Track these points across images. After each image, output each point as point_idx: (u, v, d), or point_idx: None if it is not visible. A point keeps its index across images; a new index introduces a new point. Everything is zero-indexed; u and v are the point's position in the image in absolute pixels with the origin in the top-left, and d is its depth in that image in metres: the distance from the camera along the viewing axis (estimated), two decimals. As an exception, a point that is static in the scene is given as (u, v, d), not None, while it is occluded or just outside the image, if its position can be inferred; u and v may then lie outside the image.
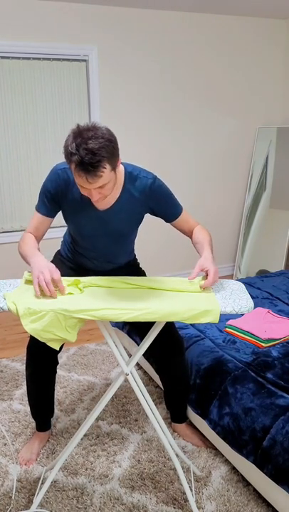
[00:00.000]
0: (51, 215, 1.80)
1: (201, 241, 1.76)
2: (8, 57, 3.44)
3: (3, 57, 3.43)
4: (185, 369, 2.09)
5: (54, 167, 1.74)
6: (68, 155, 1.48)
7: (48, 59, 3.55)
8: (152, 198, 1.73)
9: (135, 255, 2.08)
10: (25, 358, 2.92)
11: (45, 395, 2.07)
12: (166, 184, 1.78)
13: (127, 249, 1.96)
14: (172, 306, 1.43)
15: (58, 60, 3.58)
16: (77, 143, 1.44)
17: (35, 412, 2.11)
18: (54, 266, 1.58)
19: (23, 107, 3.58)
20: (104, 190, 1.55)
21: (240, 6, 3.71)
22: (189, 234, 1.86)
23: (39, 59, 3.53)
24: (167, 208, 1.79)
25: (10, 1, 3.34)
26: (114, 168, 1.53)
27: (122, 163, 1.71)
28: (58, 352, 1.97)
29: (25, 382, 2.67)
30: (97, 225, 1.76)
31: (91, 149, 1.42)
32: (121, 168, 1.70)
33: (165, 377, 2.13)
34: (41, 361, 1.97)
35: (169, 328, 1.98)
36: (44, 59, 3.54)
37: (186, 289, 1.59)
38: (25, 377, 2.72)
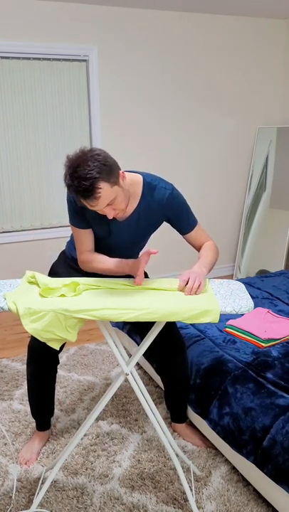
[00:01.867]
0: (88, 226, 1.79)
1: (200, 257, 1.78)
2: (8, 57, 3.44)
3: (3, 57, 3.43)
4: (186, 369, 2.09)
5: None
6: (68, 188, 1.53)
7: (48, 59, 3.55)
8: (169, 208, 1.76)
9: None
10: (25, 357, 2.94)
11: (45, 395, 2.07)
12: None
13: (137, 254, 1.99)
14: (172, 306, 1.43)
15: (58, 60, 3.59)
16: (70, 173, 1.49)
17: (35, 411, 2.12)
18: (141, 257, 1.62)
19: (23, 107, 3.58)
20: (116, 205, 1.59)
21: (240, 6, 3.71)
22: (199, 248, 1.87)
23: (39, 59, 3.53)
24: (182, 219, 1.81)
25: (10, 1, 3.34)
26: (115, 183, 1.54)
27: (140, 173, 1.76)
28: (58, 351, 1.98)
29: (25, 382, 2.67)
30: (116, 233, 1.80)
31: (80, 176, 1.47)
32: (138, 179, 1.74)
33: (165, 377, 2.13)
34: (42, 360, 1.97)
35: (170, 327, 1.98)
36: (44, 59, 3.54)
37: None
38: (25, 377, 2.73)
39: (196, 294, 1.54)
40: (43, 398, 2.08)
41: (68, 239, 2.05)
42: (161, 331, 1.87)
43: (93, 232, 1.81)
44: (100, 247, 1.85)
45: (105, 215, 1.68)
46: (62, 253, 2.06)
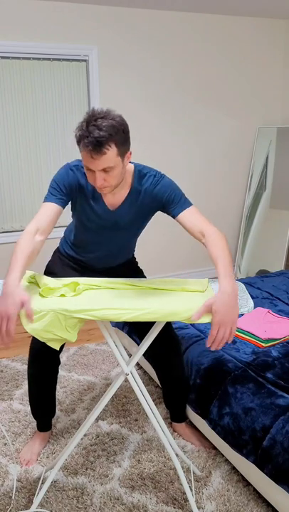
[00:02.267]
0: (61, 204, 1.68)
1: (214, 260, 1.55)
2: (8, 57, 3.44)
3: (3, 57, 3.43)
4: (183, 369, 2.09)
5: (66, 164, 1.72)
6: (78, 132, 1.50)
7: (48, 59, 3.55)
8: (158, 194, 1.72)
9: (134, 254, 2.08)
10: (25, 357, 2.94)
11: (46, 395, 2.07)
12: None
13: (131, 247, 1.97)
14: (172, 306, 1.43)
15: (58, 60, 3.59)
16: (88, 120, 1.48)
17: (36, 412, 2.11)
18: (25, 296, 1.38)
19: (23, 107, 3.58)
20: (109, 177, 1.54)
21: (240, 6, 3.71)
22: (198, 235, 1.67)
23: (39, 59, 3.53)
24: (173, 202, 1.73)
25: (10, 1, 3.34)
26: (121, 154, 1.53)
27: (132, 163, 1.74)
28: (59, 352, 1.97)
29: (25, 382, 2.67)
30: (107, 223, 1.76)
31: (99, 125, 1.46)
32: (130, 167, 1.72)
33: (163, 377, 2.13)
34: (43, 361, 1.97)
35: (166, 328, 1.98)
36: (44, 59, 3.54)
37: (186, 288, 1.59)
38: (25, 376, 2.73)
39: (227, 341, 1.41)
40: (45, 399, 2.07)
41: (58, 239, 2.05)
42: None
43: (82, 223, 1.77)
44: (90, 237, 1.82)
45: (97, 203, 1.67)
46: (56, 251, 2.03)
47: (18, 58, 3.47)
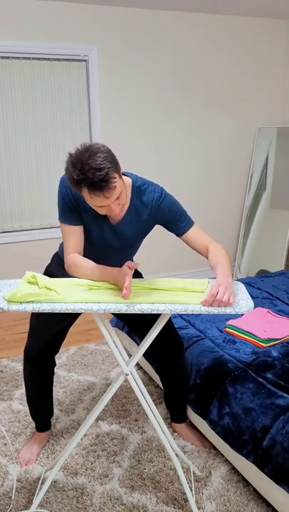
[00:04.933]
0: (80, 222, 1.72)
1: (215, 266, 1.65)
2: (8, 57, 3.44)
3: (3, 57, 3.43)
4: (185, 369, 2.09)
5: (64, 176, 1.67)
6: (77, 183, 1.46)
7: (48, 59, 3.55)
8: (159, 211, 1.73)
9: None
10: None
11: (44, 397, 2.07)
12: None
13: (131, 257, 1.96)
14: (175, 300, 1.45)
15: (58, 60, 3.58)
16: (80, 168, 1.43)
17: (34, 413, 2.11)
18: (125, 268, 1.50)
19: (23, 107, 3.58)
20: (122, 199, 1.56)
21: (240, 6, 3.71)
22: (204, 252, 1.76)
23: (39, 59, 3.53)
24: (176, 221, 1.75)
25: (10, 1, 3.34)
26: (120, 176, 1.52)
27: (128, 176, 1.72)
28: (55, 353, 1.98)
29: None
30: (108, 236, 1.75)
31: (94, 167, 1.42)
32: (128, 181, 1.70)
33: (165, 378, 2.13)
34: (39, 363, 1.96)
35: (168, 329, 1.98)
36: (44, 59, 3.54)
37: (186, 288, 1.58)
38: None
39: (224, 306, 1.44)
40: (42, 400, 2.07)
41: (61, 240, 2.02)
42: (159, 332, 1.86)
43: (86, 236, 1.76)
44: (91, 253, 1.79)
45: (98, 216, 1.66)
46: (56, 256, 2.00)
47: (18, 58, 3.47)
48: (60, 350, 3.04)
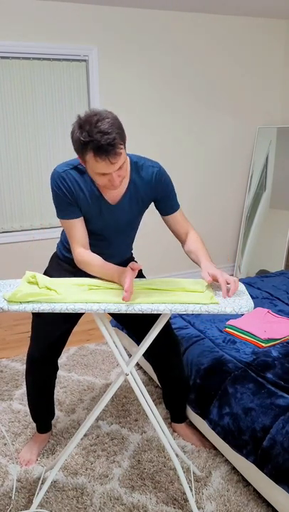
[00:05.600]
0: (79, 215, 1.70)
1: (196, 251, 1.74)
2: (8, 57, 3.44)
3: (3, 57, 3.43)
4: (183, 369, 2.09)
5: (55, 172, 1.66)
6: (82, 145, 1.45)
7: (48, 59, 3.55)
8: (157, 186, 1.73)
9: (132, 254, 2.07)
10: (25, 357, 2.93)
11: (46, 400, 2.06)
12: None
13: (131, 242, 1.94)
14: (173, 299, 1.45)
15: (58, 60, 3.58)
16: (88, 130, 1.42)
17: (35, 416, 2.11)
18: (127, 269, 1.51)
19: (23, 107, 3.58)
20: (123, 171, 1.54)
21: (240, 6, 3.71)
22: (183, 236, 1.82)
23: (39, 59, 3.53)
24: (168, 199, 1.77)
25: (10, 1, 3.34)
26: (125, 146, 1.52)
27: (126, 154, 1.70)
28: (57, 357, 1.97)
29: (25, 382, 2.67)
30: (108, 218, 1.73)
31: (103, 130, 1.42)
32: (126, 159, 1.69)
33: (163, 378, 2.12)
34: (42, 368, 1.96)
35: (166, 329, 1.97)
36: (44, 59, 3.54)
37: (186, 288, 1.58)
38: (24, 377, 2.73)
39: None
40: (44, 403, 2.07)
41: (58, 240, 2.01)
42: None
43: (86, 221, 1.72)
44: (93, 237, 1.77)
45: (97, 199, 1.65)
46: (54, 256, 1.97)
47: (18, 58, 3.47)
48: (60, 350, 3.05)
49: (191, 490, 1.86)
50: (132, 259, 2.06)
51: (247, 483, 1.91)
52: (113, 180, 1.52)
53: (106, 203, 1.69)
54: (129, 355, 2.69)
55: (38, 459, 2.08)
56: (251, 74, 4.25)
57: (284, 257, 4.04)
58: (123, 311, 1.41)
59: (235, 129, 4.33)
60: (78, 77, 3.69)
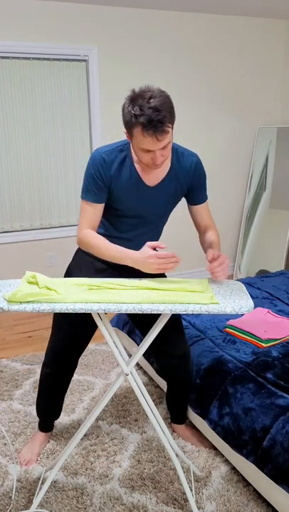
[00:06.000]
0: (102, 201, 1.71)
1: (211, 243, 1.80)
2: (8, 57, 3.44)
3: (3, 57, 3.43)
4: (190, 373, 2.05)
5: (97, 153, 1.67)
6: (132, 118, 1.48)
7: (48, 59, 3.55)
8: (194, 176, 1.76)
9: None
10: (24, 357, 2.94)
11: (57, 397, 2.04)
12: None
13: (158, 234, 1.92)
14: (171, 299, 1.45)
15: (58, 60, 3.58)
16: (140, 104, 1.46)
17: (42, 411, 2.09)
18: (146, 248, 1.56)
19: (23, 107, 3.58)
20: (166, 151, 1.57)
21: (240, 6, 3.71)
22: (202, 228, 1.86)
23: (39, 59, 3.53)
24: (199, 190, 1.81)
25: (10, 1, 3.34)
26: (172, 126, 1.55)
27: None
28: (80, 355, 1.95)
29: (25, 382, 2.67)
30: (143, 200, 1.73)
31: (155, 107, 1.45)
32: (171, 140, 1.71)
33: (169, 380, 2.10)
34: (62, 363, 1.94)
35: (177, 333, 1.94)
36: (44, 59, 3.54)
37: (186, 288, 1.58)
38: (25, 376, 2.73)
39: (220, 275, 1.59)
40: (54, 400, 2.05)
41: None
42: (167, 335, 1.86)
43: (118, 208, 1.72)
44: (121, 226, 1.76)
45: (136, 181, 1.67)
46: (78, 250, 1.91)
47: (18, 58, 3.47)
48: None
49: (191, 490, 1.86)
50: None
51: (247, 483, 1.91)
52: (156, 158, 1.55)
53: (144, 184, 1.71)
54: (129, 355, 2.69)
55: (39, 458, 2.08)
56: (251, 74, 4.25)
57: (284, 257, 4.04)
58: (123, 311, 1.41)
59: (235, 129, 4.33)
60: (78, 77, 3.69)
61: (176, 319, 1.93)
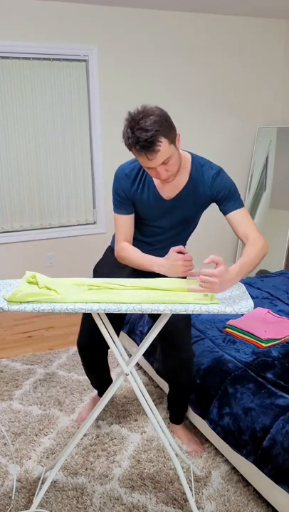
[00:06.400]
0: (131, 211, 1.85)
1: (242, 254, 1.65)
2: (8, 57, 3.44)
3: (3, 57, 3.43)
4: (193, 378, 2.04)
5: (119, 170, 1.81)
6: (127, 141, 1.56)
7: (48, 59, 3.55)
8: (213, 188, 1.76)
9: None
10: (24, 357, 2.95)
11: (100, 372, 2.26)
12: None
13: (184, 239, 1.98)
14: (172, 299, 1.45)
15: (58, 60, 3.59)
16: (131, 126, 1.54)
17: (93, 384, 2.33)
18: (172, 253, 1.64)
19: (23, 107, 3.58)
20: (169, 166, 1.62)
21: (240, 6, 3.71)
22: (243, 239, 1.74)
23: (39, 59, 3.53)
24: (226, 201, 1.77)
25: (10, 1, 3.34)
26: (172, 142, 1.59)
27: (189, 152, 1.80)
28: (105, 344, 2.07)
29: (25, 382, 2.68)
30: (165, 214, 1.82)
31: (142, 128, 1.51)
32: (187, 156, 1.78)
33: (171, 383, 2.09)
34: (91, 353, 2.12)
35: (183, 342, 1.94)
36: (44, 59, 3.54)
37: (187, 289, 1.58)
38: (25, 376, 2.74)
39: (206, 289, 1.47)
40: (99, 375, 2.27)
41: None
42: (174, 339, 1.88)
43: (143, 214, 1.84)
44: (148, 228, 1.88)
45: (155, 196, 1.75)
46: (108, 249, 2.08)
47: (18, 58, 3.47)
48: (60, 350, 3.05)
49: (191, 490, 1.86)
50: None
51: (247, 483, 1.91)
52: (158, 174, 1.62)
53: (161, 198, 1.78)
54: (129, 355, 2.69)
55: (38, 458, 2.08)
56: (251, 74, 4.25)
57: (284, 257, 4.04)
58: (123, 311, 1.41)
59: (235, 129, 4.33)
60: (78, 77, 3.69)
61: (186, 325, 1.96)
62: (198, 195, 1.79)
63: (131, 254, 1.81)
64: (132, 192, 1.80)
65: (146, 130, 1.50)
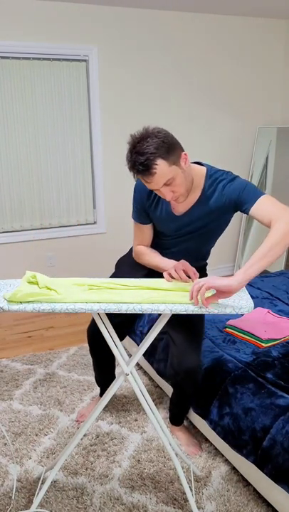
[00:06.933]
0: (147, 223, 1.91)
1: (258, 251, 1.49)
2: (8, 57, 3.44)
3: (3, 57, 3.43)
4: (198, 383, 1.99)
5: (138, 181, 1.81)
6: (128, 164, 1.58)
7: (48, 59, 3.55)
8: (225, 196, 1.71)
9: (207, 263, 2.10)
10: (24, 358, 2.95)
11: (106, 368, 2.27)
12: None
13: (206, 251, 1.99)
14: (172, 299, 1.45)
15: (58, 60, 3.59)
16: (130, 150, 1.56)
17: (98, 379, 2.35)
18: (182, 262, 1.68)
19: (23, 107, 3.58)
20: (175, 187, 1.61)
21: (240, 6, 3.71)
22: (269, 225, 1.57)
23: (39, 59, 3.53)
24: (244, 202, 1.66)
25: (10, 1, 3.34)
26: (173, 163, 1.56)
27: (206, 166, 1.76)
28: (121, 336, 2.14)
29: (25, 382, 2.68)
30: (178, 228, 1.85)
31: (138, 151, 1.52)
32: (202, 170, 1.74)
33: (175, 387, 2.07)
34: (100, 343, 2.10)
35: (197, 344, 1.93)
36: (44, 59, 3.54)
37: (187, 289, 1.58)
38: (25, 376, 2.74)
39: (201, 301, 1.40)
40: (105, 371, 2.28)
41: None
42: (184, 344, 1.88)
43: (158, 227, 1.89)
44: (165, 239, 1.91)
45: (168, 208, 1.76)
46: (132, 249, 2.10)
47: (18, 58, 3.47)
48: (60, 350, 3.05)
49: (191, 490, 1.86)
50: (204, 267, 2.09)
51: (247, 483, 1.91)
52: (162, 194, 1.63)
53: (171, 213, 1.80)
54: (130, 355, 2.69)
55: (39, 458, 2.08)
56: (251, 74, 4.25)
57: (284, 257, 4.04)
58: (123, 311, 1.41)
59: (235, 129, 4.33)
60: (78, 77, 3.69)
61: (197, 331, 1.96)
62: (212, 207, 1.75)
63: (147, 257, 1.91)
64: (146, 206, 1.84)
65: (142, 154, 1.51)
